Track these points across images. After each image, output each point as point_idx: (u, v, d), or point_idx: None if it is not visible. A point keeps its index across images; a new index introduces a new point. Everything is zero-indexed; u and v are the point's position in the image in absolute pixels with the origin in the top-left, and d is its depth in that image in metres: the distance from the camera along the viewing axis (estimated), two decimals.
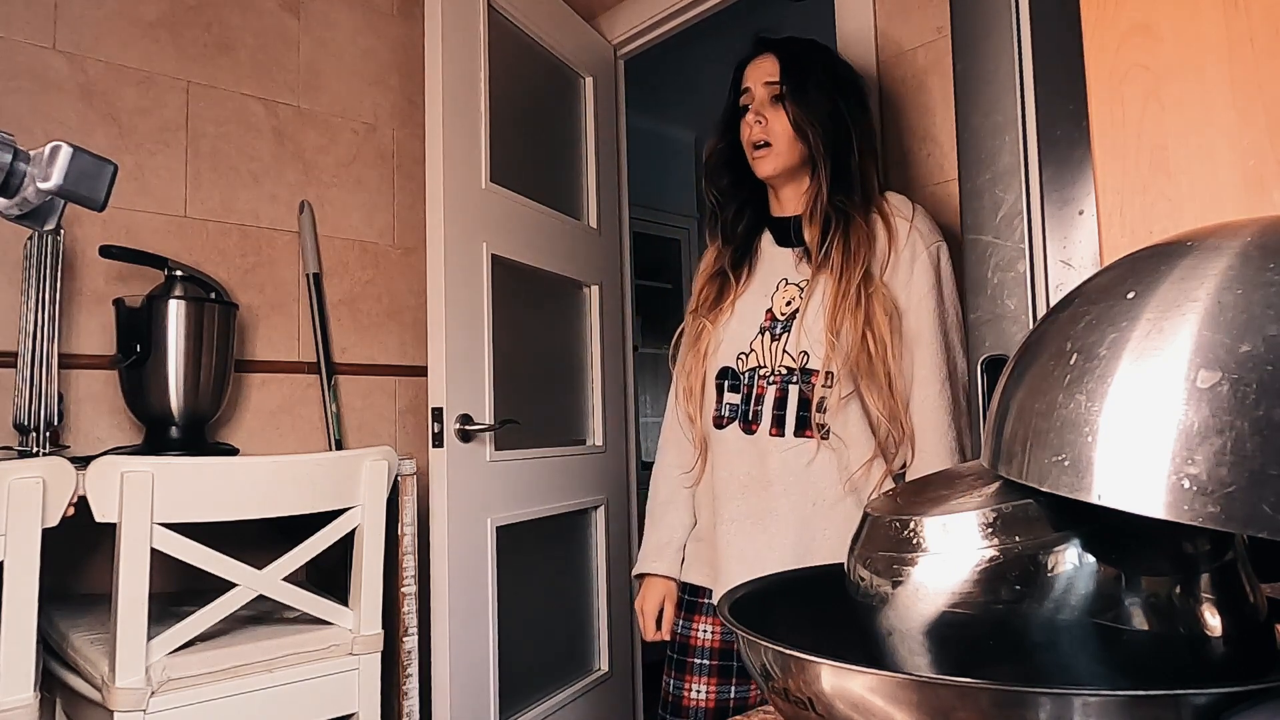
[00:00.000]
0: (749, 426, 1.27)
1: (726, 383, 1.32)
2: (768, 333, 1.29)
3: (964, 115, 1.01)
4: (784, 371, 1.25)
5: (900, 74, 1.76)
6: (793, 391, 1.24)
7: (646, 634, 1.40)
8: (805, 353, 1.24)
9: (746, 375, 1.29)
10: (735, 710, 1.26)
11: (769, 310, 1.31)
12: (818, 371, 1.22)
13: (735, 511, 1.27)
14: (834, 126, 1.30)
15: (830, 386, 1.21)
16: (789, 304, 1.28)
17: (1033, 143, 0.94)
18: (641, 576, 1.42)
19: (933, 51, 1.71)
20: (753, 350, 1.29)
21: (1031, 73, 0.95)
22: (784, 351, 1.25)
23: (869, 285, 1.23)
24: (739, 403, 1.29)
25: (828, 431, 1.22)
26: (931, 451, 1.21)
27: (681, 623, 1.34)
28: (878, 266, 1.26)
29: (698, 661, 1.29)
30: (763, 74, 1.34)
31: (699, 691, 1.28)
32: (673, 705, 1.29)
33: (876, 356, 1.20)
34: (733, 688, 1.27)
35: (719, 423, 1.31)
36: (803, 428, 1.23)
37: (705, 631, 1.31)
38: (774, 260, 1.36)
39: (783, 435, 1.24)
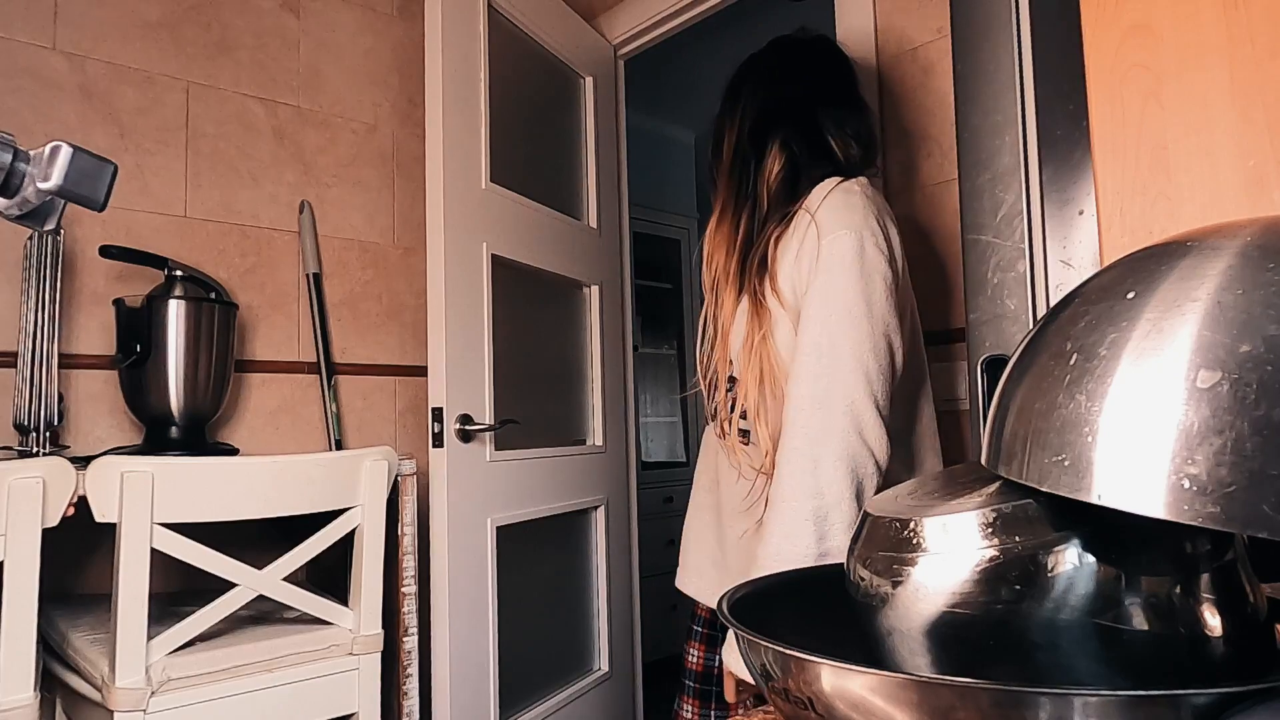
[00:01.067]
0: (716, 425, 1.30)
1: (715, 381, 1.34)
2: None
3: (964, 115, 1.01)
4: (727, 376, 1.27)
5: (900, 74, 1.75)
6: (728, 397, 1.25)
7: None
8: (732, 360, 1.25)
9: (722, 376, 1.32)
10: (718, 675, 1.31)
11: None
12: (737, 379, 1.22)
13: (700, 502, 1.34)
14: (715, 146, 1.31)
15: (747, 397, 1.21)
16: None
17: (1033, 143, 0.94)
18: None
19: (933, 51, 1.71)
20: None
21: (1031, 73, 0.95)
22: (726, 357, 1.27)
23: (760, 297, 1.16)
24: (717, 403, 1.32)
25: (747, 438, 1.22)
26: (777, 488, 1.06)
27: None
28: (786, 274, 1.15)
29: (695, 629, 1.36)
30: None
31: (693, 655, 1.35)
32: (681, 664, 1.37)
33: (766, 369, 1.14)
34: (718, 655, 1.32)
35: (708, 418, 1.36)
36: (734, 432, 1.24)
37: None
38: None
39: (724, 437, 1.26)
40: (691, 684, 1.33)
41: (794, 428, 1.06)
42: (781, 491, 1.05)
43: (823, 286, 1.08)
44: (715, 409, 1.29)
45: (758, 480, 1.18)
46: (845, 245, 1.08)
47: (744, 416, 1.21)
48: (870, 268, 1.08)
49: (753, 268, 1.19)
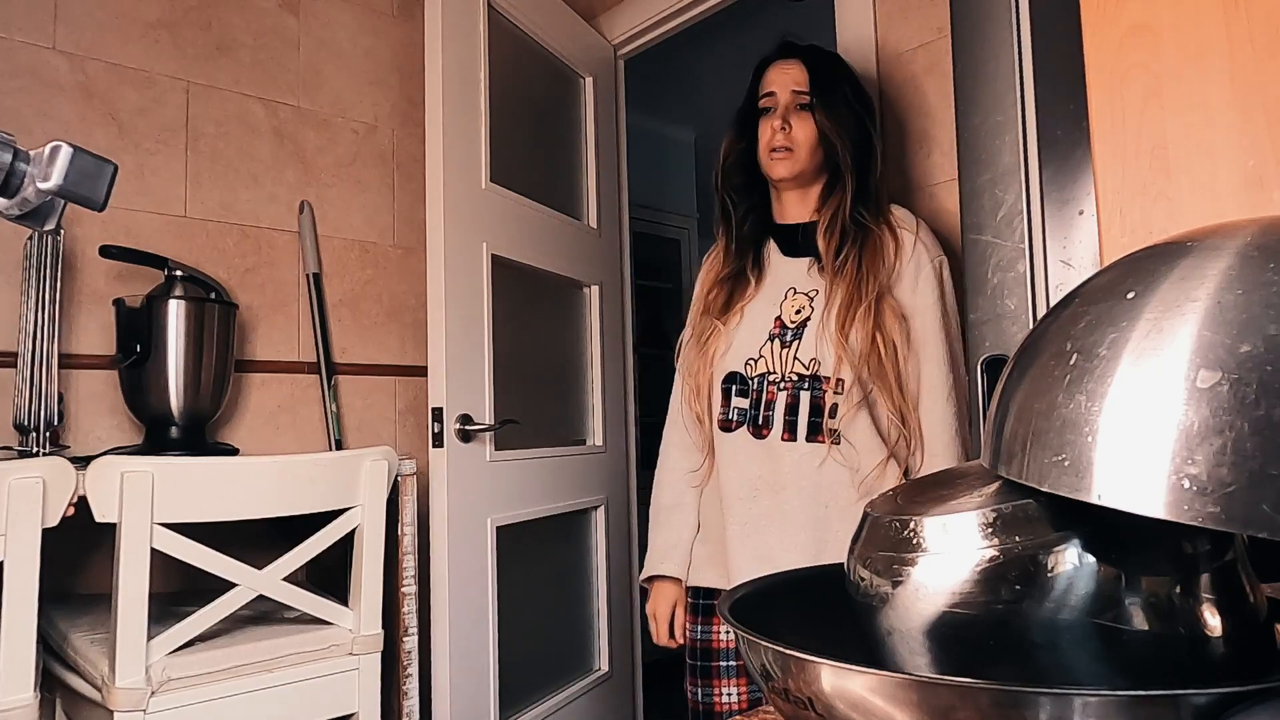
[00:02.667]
0: (759, 431, 1.27)
1: (734, 387, 1.32)
2: (777, 340, 1.30)
3: (964, 115, 1.01)
4: (795, 378, 1.26)
5: (900, 74, 1.75)
6: (804, 398, 1.25)
7: (660, 639, 1.39)
8: (816, 359, 1.25)
9: (755, 380, 1.30)
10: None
11: (778, 318, 1.31)
12: (829, 378, 1.23)
13: (746, 514, 1.27)
14: (859, 139, 1.33)
15: (841, 393, 1.22)
16: (799, 312, 1.29)
17: (1033, 143, 0.94)
18: (651, 581, 1.42)
19: (933, 52, 1.71)
20: (761, 356, 1.30)
21: (1031, 73, 0.95)
22: (795, 358, 1.26)
23: (879, 294, 1.26)
24: (748, 407, 1.29)
25: (839, 437, 1.23)
26: (940, 455, 1.24)
27: (700, 628, 1.34)
28: (885, 277, 1.28)
29: (724, 664, 1.29)
30: (789, 80, 1.35)
31: (730, 694, 1.27)
32: (705, 713, 1.28)
33: (886, 358, 1.22)
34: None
35: (726, 426, 1.31)
36: (814, 433, 1.24)
37: (727, 633, 1.30)
38: (781, 269, 1.37)
39: (795, 440, 1.25)
40: None
41: (945, 417, 1.26)
42: (942, 459, 1.24)
43: (941, 302, 1.29)
44: (761, 414, 1.28)
45: (857, 472, 1.23)
46: (947, 268, 1.32)
47: (830, 415, 1.23)
48: (955, 274, 1.30)
49: (871, 276, 1.26)
